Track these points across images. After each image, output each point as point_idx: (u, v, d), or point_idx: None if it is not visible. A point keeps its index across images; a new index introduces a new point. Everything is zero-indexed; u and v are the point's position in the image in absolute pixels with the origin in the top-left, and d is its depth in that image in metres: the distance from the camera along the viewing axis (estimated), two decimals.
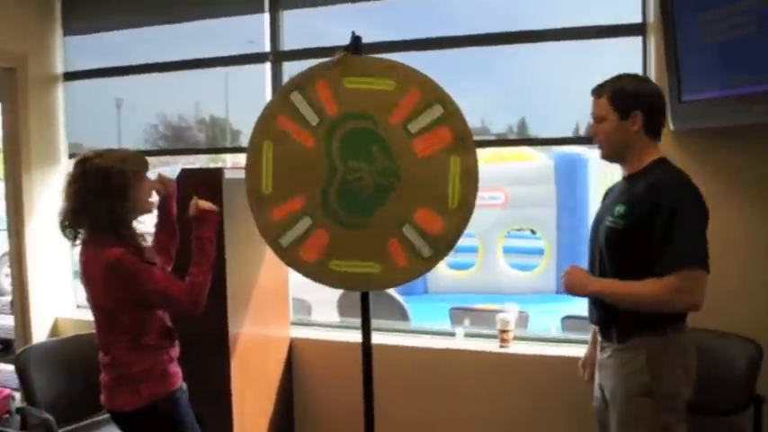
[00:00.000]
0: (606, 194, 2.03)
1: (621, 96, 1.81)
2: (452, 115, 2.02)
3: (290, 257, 2.14)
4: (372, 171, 2.06)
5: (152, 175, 2.06)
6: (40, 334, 3.51)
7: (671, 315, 1.76)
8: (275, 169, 2.11)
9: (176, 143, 3.93)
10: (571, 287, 1.86)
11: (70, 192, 1.91)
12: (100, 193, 1.86)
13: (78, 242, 1.95)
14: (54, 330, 3.57)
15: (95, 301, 1.92)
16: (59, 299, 3.64)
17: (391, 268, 2.08)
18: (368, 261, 2.09)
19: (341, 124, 2.07)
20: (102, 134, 3.82)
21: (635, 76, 1.90)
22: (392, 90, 2.04)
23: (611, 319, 1.85)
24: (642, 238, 1.73)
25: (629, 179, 1.87)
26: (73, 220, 1.91)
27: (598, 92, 1.86)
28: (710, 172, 2.35)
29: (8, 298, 4.14)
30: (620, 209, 1.80)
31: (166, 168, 2.75)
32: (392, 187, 2.05)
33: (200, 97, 3.65)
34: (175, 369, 2.01)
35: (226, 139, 3.85)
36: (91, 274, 1.89)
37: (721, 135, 2.37)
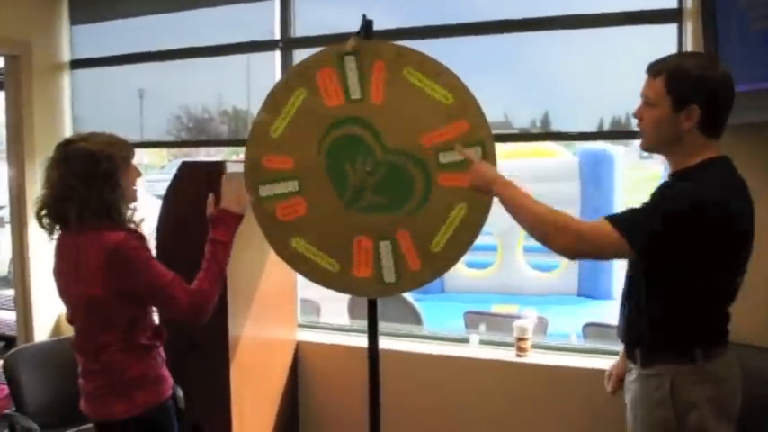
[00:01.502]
0: None
1: (681, 81, 1.52)
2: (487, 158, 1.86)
3: (262, 210, 2.01)
4: (385, 175, 1.93)
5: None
6: (42, 331, 3.42)
7: (703, 337, 1.55)
8: (294, 119, 1.97)
9: (198, 135, 3.81)
10: (475, 184, 1.77)
11: (53, 177, 1.74)
12: (88, 179, 1.71)
13: (55, 235, 1.80)
14: (57, 327, 3.48)
15: (89, 295, 1.72)
16: None
17: (347, 273, 1.97)
18: (326, 255, 1.98)
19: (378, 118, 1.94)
20: (113, 124, 3.70)
21: (702, 58, 1.60)
22: (448, 104, 1.88)
23: (634, 338, 1.66)
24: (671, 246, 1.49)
25: (671, 178, 1.62)
26: (55, 209, 1.75)
27: (655, 70, 1.58)
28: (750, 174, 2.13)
29: (12, 292, 4.06)
30: None
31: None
32: (394, 200, 1.93)
33: (222, 89, 3.54)
34: (167, 373, 1.87)
35: (247, 132, 3.74)
36: (86, 262, 1.71)
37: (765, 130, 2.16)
